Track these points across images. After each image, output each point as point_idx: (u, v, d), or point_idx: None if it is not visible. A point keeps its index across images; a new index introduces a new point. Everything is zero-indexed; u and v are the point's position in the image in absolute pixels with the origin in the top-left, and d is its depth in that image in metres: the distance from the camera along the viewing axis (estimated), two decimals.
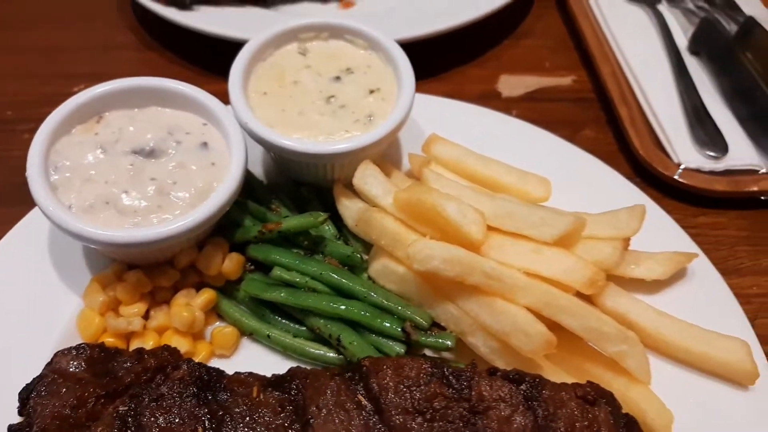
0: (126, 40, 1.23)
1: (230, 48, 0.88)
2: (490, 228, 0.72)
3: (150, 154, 0.74)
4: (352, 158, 0.77)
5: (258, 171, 0.88)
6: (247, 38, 0.91)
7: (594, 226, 0.74)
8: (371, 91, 0.84)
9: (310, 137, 0.78)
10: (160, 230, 0.67)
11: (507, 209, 0.73)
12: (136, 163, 0.73)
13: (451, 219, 0.69)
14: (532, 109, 1.11)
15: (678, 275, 0.76)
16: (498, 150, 0.89)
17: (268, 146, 0.78)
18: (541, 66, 1.19)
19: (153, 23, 1.21)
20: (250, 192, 0.83)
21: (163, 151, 0.74)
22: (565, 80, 1.16)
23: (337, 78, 0.85)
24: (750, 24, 1.13)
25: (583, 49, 1.19)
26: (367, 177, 0.74)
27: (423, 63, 1.15)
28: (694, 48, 1.14)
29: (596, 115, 1.10)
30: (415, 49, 1.09)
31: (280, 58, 0.87)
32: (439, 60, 1.18)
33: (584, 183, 0.87)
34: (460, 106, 0.97)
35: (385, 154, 0.90)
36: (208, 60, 1.15)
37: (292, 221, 0.75)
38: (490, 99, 1.13)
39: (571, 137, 1.05)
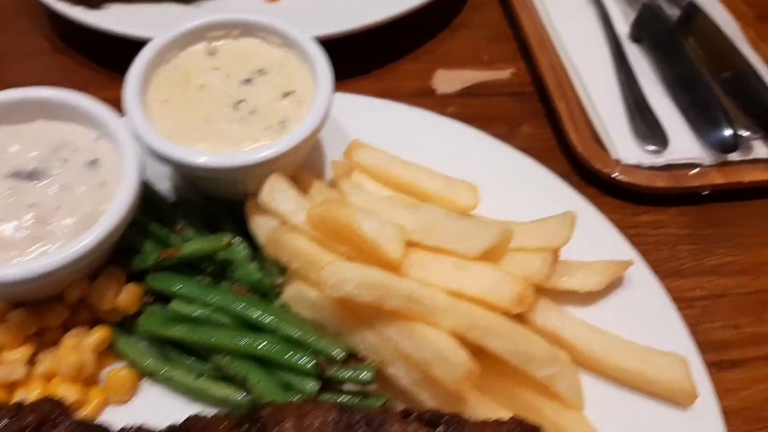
0: (36, 45, 1.13)
1: None
2: (411, 244, 0.66)
3: (30, 176, 0.66)
4: (263, 170, 0.71)
5: (164, 186, 0.81)
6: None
7: (523, 236, 0.69)
8: (285, 94, 0.77)
9: (215, 148, 0.71)
10: (37, 265, 0.59)
11: (429, 222, 0.67)
12: (15, 187, 0.65)
13: (368, 237, 0.63)
14: (469, 105, 1.05)
15: (614, 284, 0.72)
16: (428, 152, 0.83)
17: (165, 161, 0.71)
18: (478, 59, 1.13)
19: (65, 26, 1.11)
20: (153, 211, 0.76)
21: (44, 172, 0.66)
22: (504, 73, 1.11)
23: (248, 80, 0.78)
24: (691, 9, 1.10)
25: (522, 40, 1.14)
26: (276, 192, 0.68)
27: (356, 59, 1.09)
28: (636, 35, 1.09)
29: (535, 109, 1.05)
30: (346, 44, 1.03)
31: (185, 59, 0.79)
32: (372, 55, 1.12)
33: (517, 186, 0.82)
34: (388, 106, 0.91)
35: (307, 162, 0.84)
36: (126, 63, 1.07)
37: (192, 246, 0.69)
38: (426, 96, 1.07)
39: (509, 134, 1.00)
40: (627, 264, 0.71)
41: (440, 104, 1.05)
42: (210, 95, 0.76)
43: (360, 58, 1.10)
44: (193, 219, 0.76)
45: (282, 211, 0.68)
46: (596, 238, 0.76)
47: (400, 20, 1.08)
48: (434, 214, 0.68)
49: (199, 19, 0.80)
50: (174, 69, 0.78)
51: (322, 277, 0.62)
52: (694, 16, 1.08)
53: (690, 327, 0.78)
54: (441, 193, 0.75)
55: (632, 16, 1.12)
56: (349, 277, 0.61)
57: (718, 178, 0.89)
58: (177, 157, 0.69)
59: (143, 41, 0.79)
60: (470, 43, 1.16)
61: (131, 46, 0.80)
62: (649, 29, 1.07)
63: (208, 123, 0.74)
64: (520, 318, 0.66)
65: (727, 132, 0.90)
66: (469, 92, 1.07)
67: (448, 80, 1.10)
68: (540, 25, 1.13)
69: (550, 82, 1.03)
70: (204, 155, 0.69)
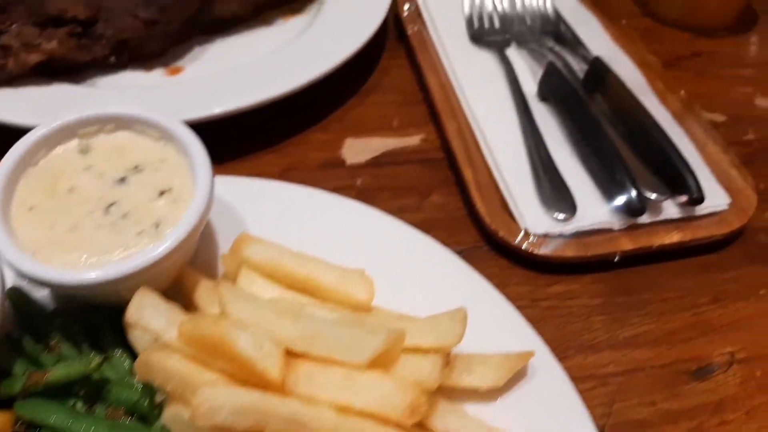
0: None
1: None
2: (297, 355, 0.62)
3: None
4: (135, 280, 0.65)
5: (42, 293, 0.75)
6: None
7: (416, 334, 0.65)
8: (161, 192, 0.72)
9: (80, 260, 0.66)
10: None
11: (313, 330, 0.62)
12: None
13: (244, 355, 0.58)
14: (379, 175, 1.02)
15: (518, 375, 0.68)
16: (325, 236, 0.80)
17: (23, 278, 0.65)
18: (388, 125, 1.11)
19: None
20: (28, 323, 0.70)
21: None
22: (414, 139, 1.08)
23: (122, 179, 0.73)
24: (597, 64, 1.09)
25: (431, 103, 1.12)
26: (144, 308, 0.63)
27: (260, 132, 1.05)
28: (543, 94, 1.08)
29: (445, 176, 1.02)
30: (250, 116, 1.00)
31: (55, 160, 0.74)
32: (278, 126, 1.08)
33: (417, 269, 0.78)
34: (282, 189, 0.87)
35: (198, 256, 0.79)
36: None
37: (58, 371, 0.63)
38: (335, 167, 1.03)
39: (419, 205, 0.97)
40: (527, 355, 0.67)
41: (349, 176, 1.02)
42: (79, 199, 0.71)
43: (265, 131, 1.07)
44: (72, 331, 0.70)
45: (152, 329, 0.62)
46: (499, 324, 0.72)
47: (306, 88, 1.05)
48: (319, 322, 0.63)
49: (70, 115, 0.75)
50: (43, 171, 0.73)
51: (193, 405, 0.56)
52: (599, 71, 1.08)
53: (605, 407, 0.75)
54: (336, 286, 0.71)
55: (540, 73, 1.11)
56: (221, 403, 0.56)
57: (627, 244, 0.87)
58: (34, 274, 0.63)
59: (25, 129, 0.75)
60: (380, 108, 1.14)
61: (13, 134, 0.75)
62: (555, 87, 1.06)
63: (75, 231, 0.68)
64: (419, 425, 0.62)
65: (633, 195, 0.88)
66: (378, 161, 1.04)
67: (357, 149, 1.06)
68: (449, 87, 1.11)
69: (457, 149, 1.00)
70: (64, 272, 0.64)
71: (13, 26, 1.05)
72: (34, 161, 0.73)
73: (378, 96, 1.16)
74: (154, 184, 0.72)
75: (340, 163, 1.04)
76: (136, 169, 0.74)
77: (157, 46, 1.12)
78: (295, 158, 1.04)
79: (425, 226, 0.94)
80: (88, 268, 0.65)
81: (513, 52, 1.19)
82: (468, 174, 0.96)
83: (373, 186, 1.00)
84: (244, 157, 1.04)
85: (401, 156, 1.05)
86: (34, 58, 1.02)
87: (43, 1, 1.08)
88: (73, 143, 0.76)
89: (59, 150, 0.75)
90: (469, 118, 1.05)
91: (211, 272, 0.80)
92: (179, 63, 1.15)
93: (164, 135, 0.76)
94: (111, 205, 0.70)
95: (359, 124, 1.11)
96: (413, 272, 0.78)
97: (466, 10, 1.25)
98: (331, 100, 1.14)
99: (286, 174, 1.01)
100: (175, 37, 1.15)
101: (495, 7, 1.25)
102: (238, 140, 1.05)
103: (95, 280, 0.64)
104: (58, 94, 1.03)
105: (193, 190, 0.71)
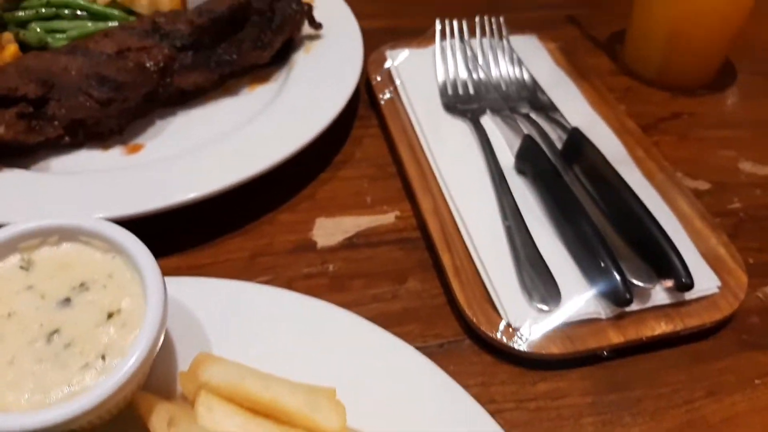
0: None
1: None
2: None
3: None
4: (78, 421, 0.59)
5: None
6: None
7: None
8: (110, 315, 0.65)
9: (20, 401, 0.59)
10: None
11: None
12: None
13: None
14: (352, 259, 0.96)
15: None
16: (288, 345, 0.75)
17: None
18: (361, 201, 1.06)
19: None
20: None
21: None
22: (388, 217, 1.03)
23: (67, 300, 0.66)
24: (575, 135, 1.06)
25: (403, 177, 1.07)
26: None
27: (224, 212, 0.99)
28: (520, 168, 1.04)
29: (422, 258, 0.96)
30: (216, 197, 0.94)
31: None
32: (243, 205, 1.02)
33: (388, 376, 0.72)
34: (242, 289, 0.80)
35: (154, 372, 0.72)
36: None
37: None
38: (305, 251, 0.97)
39: (394, 293, 0.92)
40: None
41: (321, 260, 0.96)
42: (18, 327, 0.64)
43: (229, 211, 1.01)
44: None
45: None
46: None
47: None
48: None
49: (9, 227, 0.69)
50: None
51: None
52: (578, 143, 1.04)
53: None
54: (303, 413, 0.65)
55: (518, 145, 1.07)
56: None
57: (615, 337, 0.82)
58: None
59: None
60: (352, 183, 1.09)
61: None
62: (533, 161, 1.02)
63: (14, 365, 0.61)
64: None
65: (620, 284, 0.83)
66: (351, 243, 0.99)
67: (328, 230, 1.01)
68: (423, 160, 1.07)
69: (434, 230, 0.95)
70: (2, 416, 0.57)
71: None
72: None
73: (349, 170, 1.11)
74: (101, 305, 0.66)
75: (311, 246, 0.98)
76: (82, 287, 0.68)
77: (114, 124, 1.07)
78: (263, 242, 0.99)
79: (402, 317, 0.89)
80: (28, 409, 0.59)
81: (488, 120, 1.15)
82: (446, 259, 0.91)
83: (346, 272, 0.94)
84: (209, 243, 0.98)
85: (375, 236, 1.00)
86: None
87: None
88: (14, 259, 0.69)
89: None
90: (445, 195, 1.00)
91: (167, 388, 0.73)
92: (139, 140, 1.09)
93: (112, 247, 0.70)
94: (53, 332, 0.64)
95: (330, 202, 1.05)
96: (387, 383, 0.72)
97: (440, 77, 1.21)
98: (299, 175, 1.08)
99: (254, 260, 0.96)
100: (134, 113, 1.09)
101: (470, 73, 1.22)
102: (200, 223, 0.99)
103: (35, 425, 0.57)
104: (4, 182, 0.96)
105: (144, 313, 0.65)
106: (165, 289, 0.66)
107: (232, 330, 0.77)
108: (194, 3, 1.17)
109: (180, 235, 0.98)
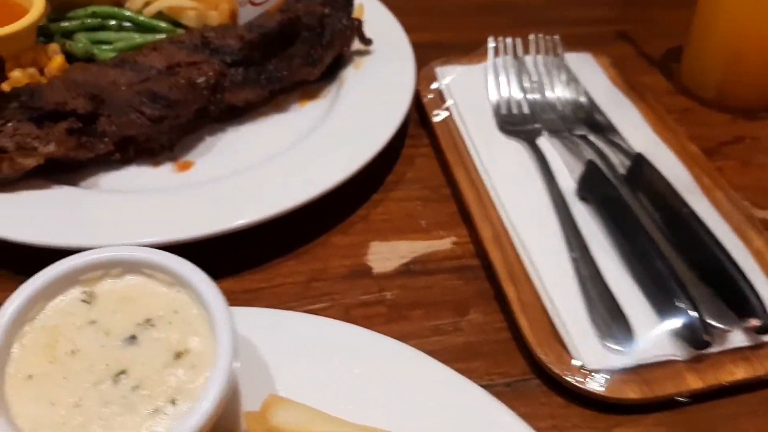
0: None
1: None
2: None
3: None
4: None
5: None
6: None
7: None
8: (177, 355, 0.63)
9: None
10: None
11: None
12: None
13: None
14: (409, 287, 0.93)
15: None
16: (351, 382, 0.71)
17: None
18: (416, 225, 1.02)
19: None
20: None
21: None
22: (444, 243, 1.00)
23: (132, 338, 0.63)
24: (639, 162, 1.02)
25: (461, 201, 1.04)
26: None
27: (277, 234, 0.97)
28: (582, 194, 1.00)
29: (482, 289, 0.93)
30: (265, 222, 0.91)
31: (54, 314, 0.65)
32: (295, 227, 0.99)
33: (454, 416, 0.69)
34: (305, 323, 0.78)
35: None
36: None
37: None
38: (361, 277, 0.94)
39: (456, 326, 0.88)
40: None
41: (378, 287, 0.93)
42: (83, 365, 0.61)
43: (281, 233, 0.98)
44: None
45: None
46: None
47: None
48: None
49: (70, 259, 0.66)
50: (41, 329, 0.63)
51: None
52: (643, 169, 1.00)
53: None
54: None
55: (577, 169, 1.03)
56: None
57: (694, 382, 0.78)
58: None
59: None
60: (405, 205, 1.05)
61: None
62: (596, 188, 0.99)
63: (80, 408, 0.59)
64: None
65: (698, 326, 0.79)
66: (408, 270, 0.95)
67: (384, 255, 0.97)
68: (479, 184, 1.03)
69: (495, 260, 0.92)
70: None
71: (8, 125, 0.97)
72: (31, 316, 0.64)
73: (402, 190, 1.08)
74: (167, 343, 0.63)
75: (367, 271, 0.95)
76: (147, 323, 0.65)
77: (165, 140, 1.04)
78: (317, 266, 0.96)
79: (465, 352, 0.86)
80: None
81: (544, 142, 1.11)
82: (510, 292, 0.87)
83: (404, 300, 0.91)
84: (262, 265, 0.95)
85: (432, 263, 0.97)
86: (30, 162, 0.93)
87: (39, 95, 1.00)
88: (76, 291, 0.67)
89: (59, 301, 0.66)
90: (505, 222, 0.96)
91: (230, 426, 0.70)
92: (189, 157, 1.06)
93: (177, 280, 0.67)
94: (120, 373, 0.61)
95: (384, 224, 1.02)
96: (454, 424, 0.69)
97: (493, 96, 1.18)
98: (351, 194, 1.05)
99: (309, 285, 0.93)
100: (185, 129, 1.07)
101: (524, 92, 1.18)
102: (250, 243, 0.96)
103: None
104: (55, 201, 0.94)
105: (214, 353, 0.62)
106: (234, 328, 0.63)
107: (293, 364, 0.74)
108: (244, 18, 1.14)
109: (229, 255, 0.95)
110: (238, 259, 0.95)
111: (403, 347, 0.75)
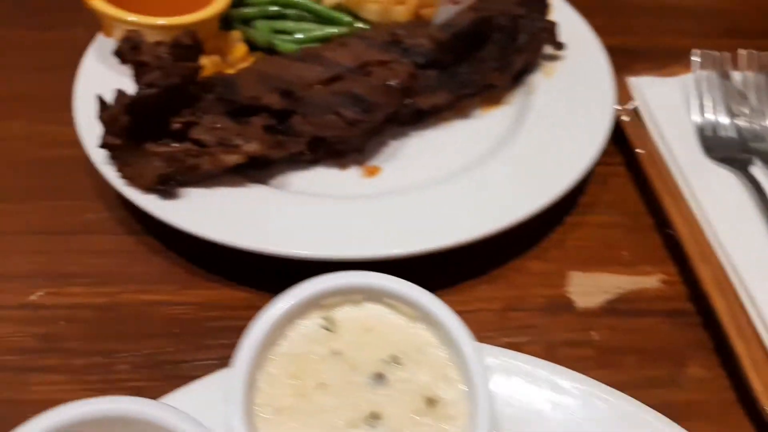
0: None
1: None
2: None
3: None
4: None
5: None
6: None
7: None
8: (429, 402, 0.58)
9: None
10: None
11: None
12: None
13: None
14: (617, 328, 0.86)
15: None
16: None
17: None
18: (617, 257, 0.94)
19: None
20: None
21: None
22: (651, 281, 0.92)
23: (379, 375, 0.60)
24: None
25: (667, 232, 0.95)
26: None
27: (467, 252, 0.91)
28: None
29: (700, 338, 0.85)
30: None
31: (297, 340, 0.62)
32: (488, 247, 0.93)
33: None
34: (542, 368, 0.72)
35: None
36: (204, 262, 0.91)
37: None
38: (562, 311, 0.88)
39: (674, 379, 0.81)
40: None
41: (582, 325, 0.86)
42: (333, 403, 0.58)
43: (475, 253, 0.92)
44: None
45: None
46: None
47: None
48: None
49: (311, 284, 0.63)
50: (286, 357, 0.61)
51: None
52: None
53: None
54: None
55: None
56: None
57: None
58: None
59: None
60: (604, 232, 0.98)
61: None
62: None
63: None
64: None
65: None
66: (614, 308, 0.88)
67: (585, 288, 0.91)
68: (691, 217, 0.94)
69: (720, 309, 0.83)
70: None
71: (205, 117, 0.95)
72: (273, 340, 0.61)
73: (599, 215, 1.00)
74: (416, 387, 0.59)
75: (568, 305, 0.89)
76: (394, 359, 0.61)
77: (356, 143, 1.00)
78: (513, 293, 0.90)
79: (687, 410, 0.78)
80: None
81: (758, 172, 1.00)
82: (740, 348, 0.79)
83: (613, 344, 0.84)
84: (454, 287, 0.90)
85: (640, 303, 0.89)
86: (232, 159, 0.92)
87: (234, 88, 0.98)
88: (316, 317, 0.63)
89: (301, 327, 0.63)
90: (725, 265, 0.87)
91: None
92: (375, 161, 1.02)
93: (420, 315, 0.63)
94: (372, 417, 0.57)
95: (582, 252, 0.95)
96: None
97: (695, 115, 1.07)
98: (544, 214, 0.98)
99: (506, 314, 0.87)
100: (374, 132, 1.03)
101: (732, 115, 1.07)
102: (442, 263, 0.91)
103: None
104: (250, 201, 0.91)
105: (468, 405, 0.57)
106: (487, 376, 0.58)
107: (514, 410, 0.69)
108: (441, 17, 1.08)
109: (419, 272, 0.90)
110: (428, 276, 0.90)
111: (643, 408, 0.68)
